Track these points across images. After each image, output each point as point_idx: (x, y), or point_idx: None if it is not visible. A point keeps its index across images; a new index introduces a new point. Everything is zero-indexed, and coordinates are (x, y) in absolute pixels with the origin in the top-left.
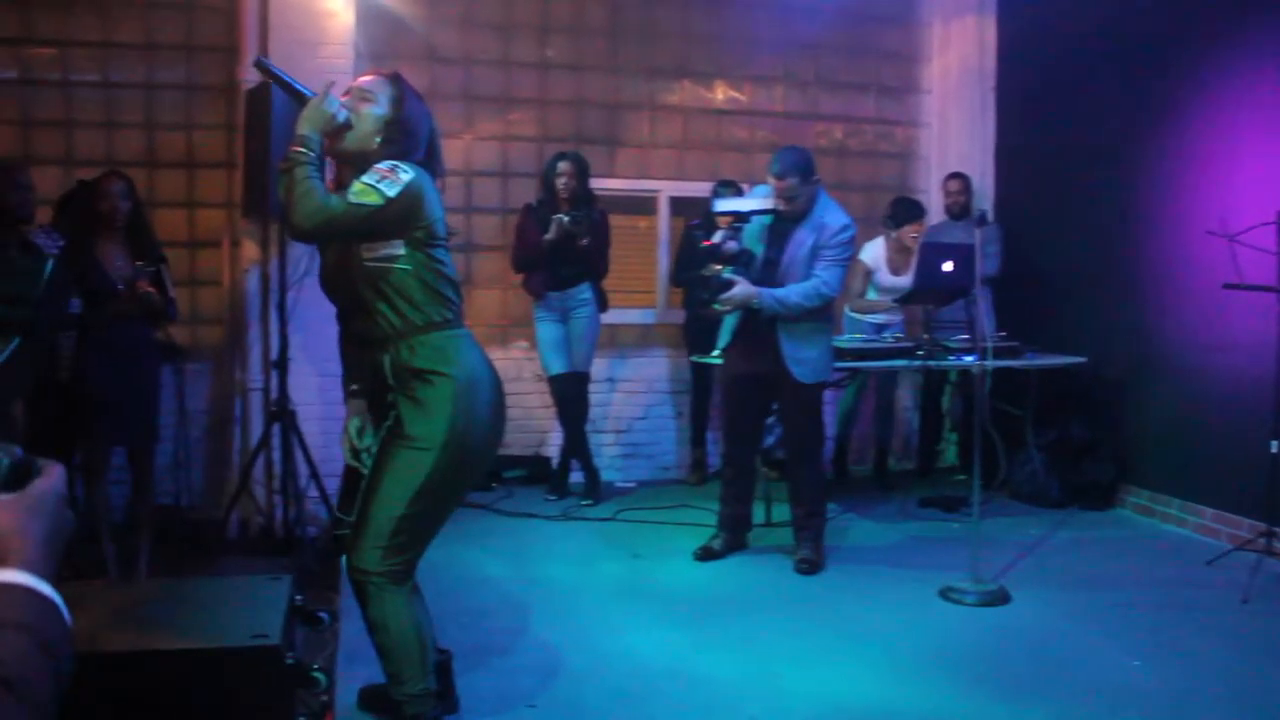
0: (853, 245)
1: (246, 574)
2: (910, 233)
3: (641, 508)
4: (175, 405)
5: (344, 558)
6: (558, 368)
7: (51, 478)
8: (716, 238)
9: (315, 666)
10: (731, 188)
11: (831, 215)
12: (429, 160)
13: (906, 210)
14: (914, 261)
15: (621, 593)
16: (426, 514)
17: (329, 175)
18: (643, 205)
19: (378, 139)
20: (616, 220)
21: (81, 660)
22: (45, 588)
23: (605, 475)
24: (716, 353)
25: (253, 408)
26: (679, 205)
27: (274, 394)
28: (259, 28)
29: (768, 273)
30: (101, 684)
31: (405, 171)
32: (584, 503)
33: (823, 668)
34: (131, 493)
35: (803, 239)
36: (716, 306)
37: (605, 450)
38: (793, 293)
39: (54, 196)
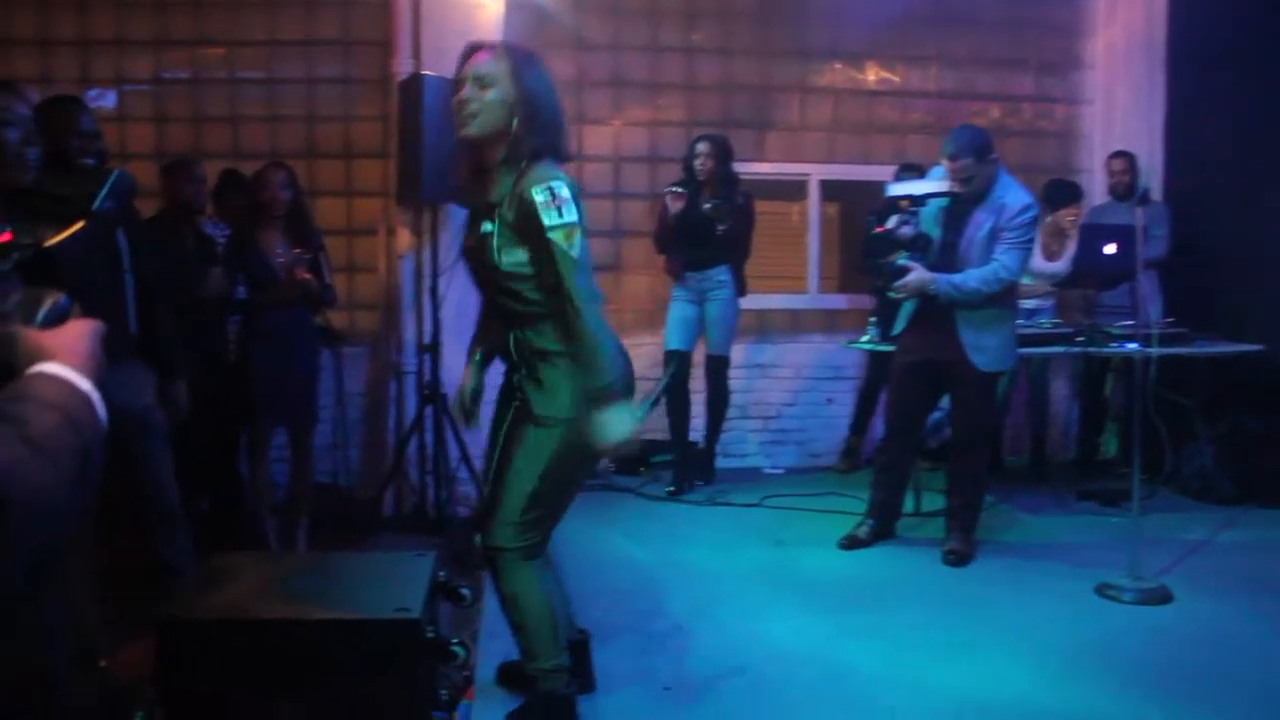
0: (1035, 226)
1: (395, 551)
2: (1067, 216)
3: (787, 494)
4: (333, 387)
5: (478, 536)
6: (674, 344)
7: (89, 322)
8: (890, 223)
9: (456, 641)
10: (914, 171)
11: (1012, 195)
12: (561, 135)
13: (1062, 192)
14: (1070, 246)
15: (763, 579)
16: (556, 489)
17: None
18: (793, 189)
19: (514, 120)
20: (765, 206)
21: (232, 626)
22: (84, 383)
23: (752, 461)
24: (866, 339)
25: (407, 390)
26: (829, 189)
27: (427, 377)
28: (412, 20)
29: (946, 257)
30: (251, 649)
31: (560, 185)
32: (696, 483)
33: (966, 662)
34: (292, 471)
35: (981, 221)
36: (891, 294)
37: (752, 436)
38: (970, 278)
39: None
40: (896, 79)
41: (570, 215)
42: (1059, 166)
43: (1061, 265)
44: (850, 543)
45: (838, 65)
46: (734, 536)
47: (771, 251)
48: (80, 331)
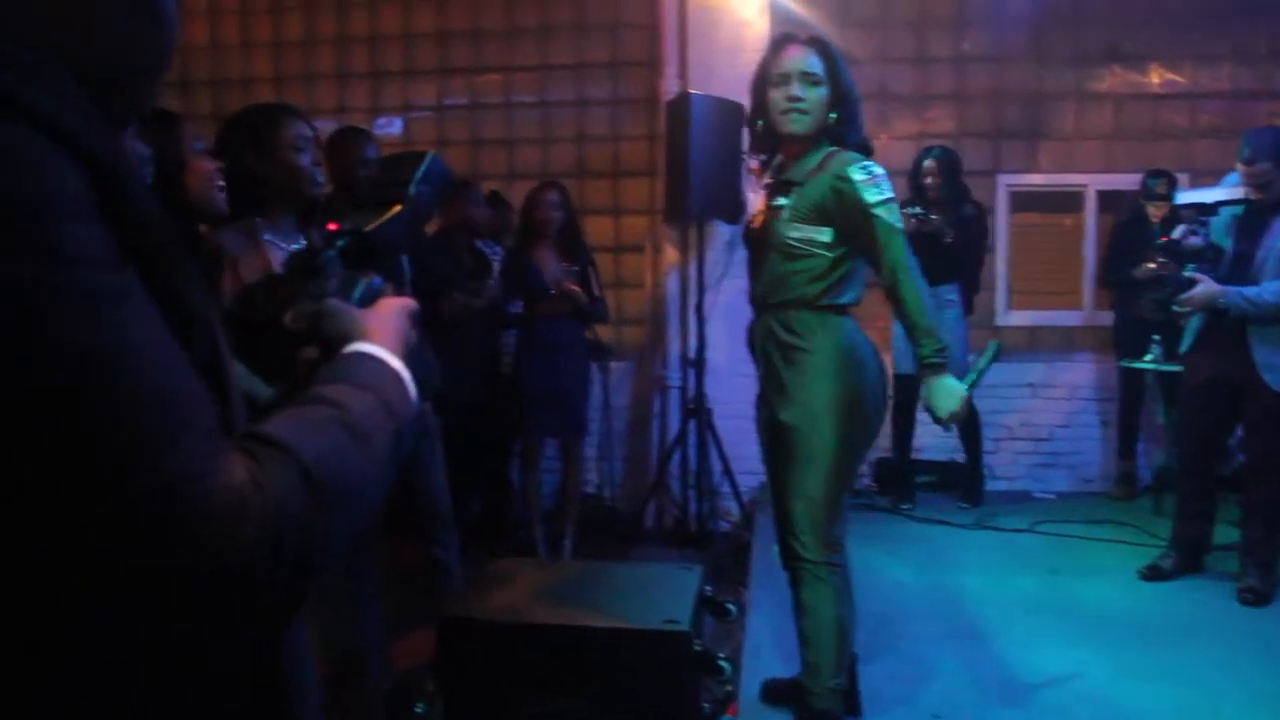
0: None
1: (661, 563)
2: None
3: (1060, 520)
4: (601, 401)
5: (775, 548)
6: (906, 366)
7: (401, 300)
8: (1176, 233)
9: (721, 656)
10: (1163, 179)
11: None
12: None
13: None
14: None
15: (1036, 609)
16: (832, 489)
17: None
18: (1067, 201)
19: (832, 115)
20: (1038, 218)
21: (509, 629)
22: (395, 361)
23: (1021, 484)
24: (1149, 357)
25: (671, 405)
26: (1107, 200)
27: (691, 392)
28: (679, 40)
29: (1239, 269)
30: (525, 651)
31: (876, 166)
32: (960, 505)
33: (1268, 713)
34: (560, 481)
35: None
36: (1175, 308)
37: (1022, 459)
38: (1267, 290)
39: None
40: (1183, 80)
41: (889, 190)
42: None
43: None
44: (1152, 574)
45: (1117, 69)
46: (1003, 562)
47: (1043, 266)
48: (393, 309)
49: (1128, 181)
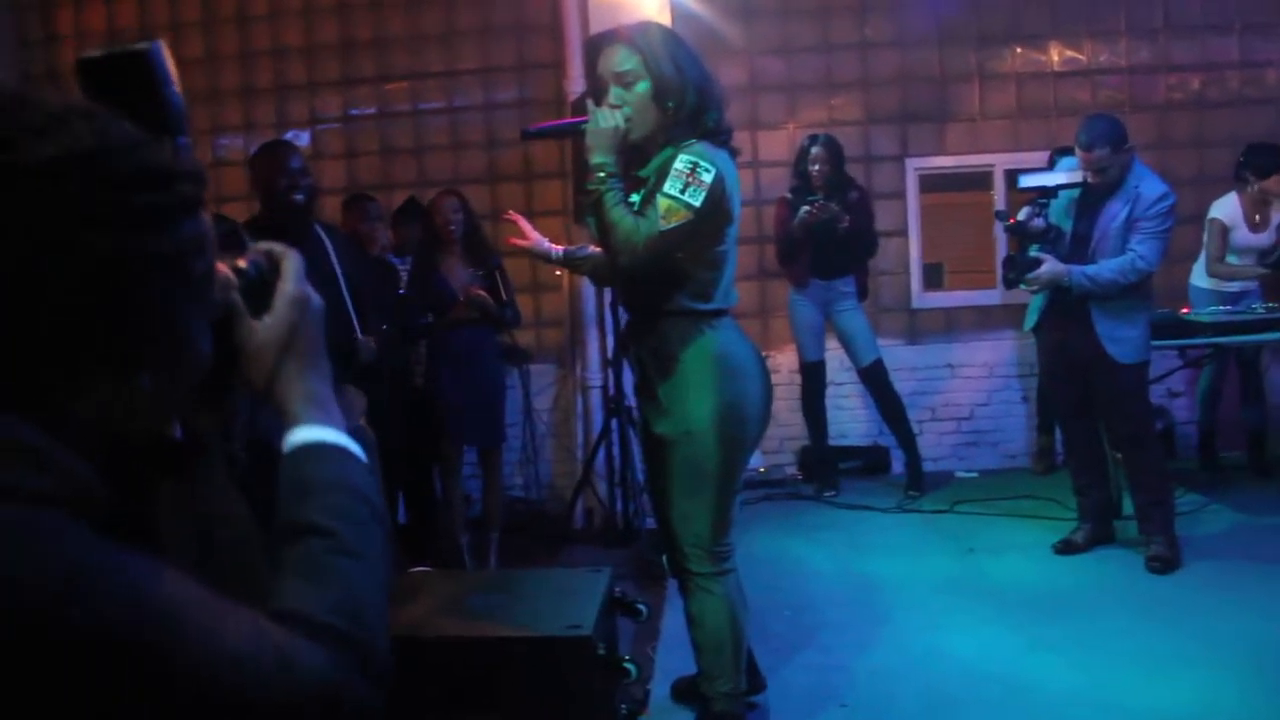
0: (1173, 215)
1: (587, 564)
2: (1276, 185)
3: (980, 499)
4: (522, 404)
5: (664, 557)
6: (813, 354)
7: (289, 278)
8: (1021, 215)
9: (626, 658)
10: (1069, 154)
11: (1148, 184)
12: (714, 110)
13: (1268, 157)
14: (1275, 215)
15: (951, 589)
16: (715, 497)
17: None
18: (977, 181)
19: (668, 104)
20: (948, 199)
21: (409, 644)
22: (343, 439)
23: (945, 464)
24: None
25: (593, 404)
26: (1015, 178)
27: (611, 390)
28: (581, 41)
29: (1077, 249)
30: (428, 666)
31: (706, 170)
32: (910, 493)
33: (1173, 677)
34: (483, 488)
35: (1115, 211)
36: (1023, 286)
37: (945, 439)
38: (1105, 269)
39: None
40: (1083, 57)
41: (692, 199)
42: (1271, 136)
43: (1268, 237)
44: (1065, 547)
45: (1018, 49)
46: (922, 544)
47: (958, 247)
48: (296, 332)
49: (1032, 160)
